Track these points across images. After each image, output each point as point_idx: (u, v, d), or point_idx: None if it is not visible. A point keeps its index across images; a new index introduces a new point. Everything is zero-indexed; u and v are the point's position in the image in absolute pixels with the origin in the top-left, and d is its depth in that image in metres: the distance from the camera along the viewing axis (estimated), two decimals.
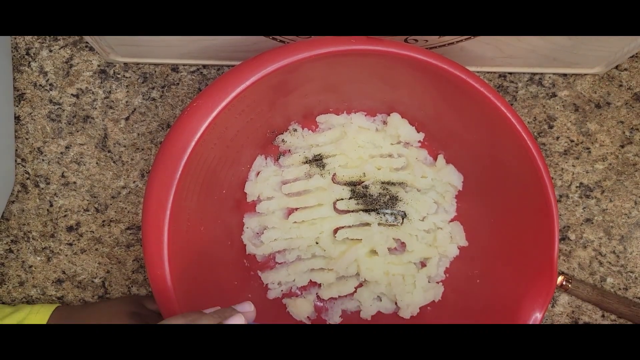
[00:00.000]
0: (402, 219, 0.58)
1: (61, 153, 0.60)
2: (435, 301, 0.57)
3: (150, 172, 0.45)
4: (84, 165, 0.60)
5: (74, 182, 0.60)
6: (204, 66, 0.60)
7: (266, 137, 0.57)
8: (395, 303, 0.58)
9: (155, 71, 0.60)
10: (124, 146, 0.60)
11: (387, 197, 0.58)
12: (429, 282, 0.58)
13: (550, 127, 0.60)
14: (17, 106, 0.61)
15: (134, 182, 0.60)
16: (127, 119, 0.61)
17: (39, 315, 0.54)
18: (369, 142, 0.58)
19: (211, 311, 0.39)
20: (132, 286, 0.61)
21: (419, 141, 0.58)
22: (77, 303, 0.61)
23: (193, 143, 0.44)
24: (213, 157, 0.49)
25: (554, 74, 0.60)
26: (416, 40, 0.51)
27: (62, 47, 0.61)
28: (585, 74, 0.60)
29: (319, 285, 0.58)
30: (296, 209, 0.57)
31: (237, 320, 0.37)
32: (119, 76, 0.60)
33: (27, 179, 0.61)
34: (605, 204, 0.60)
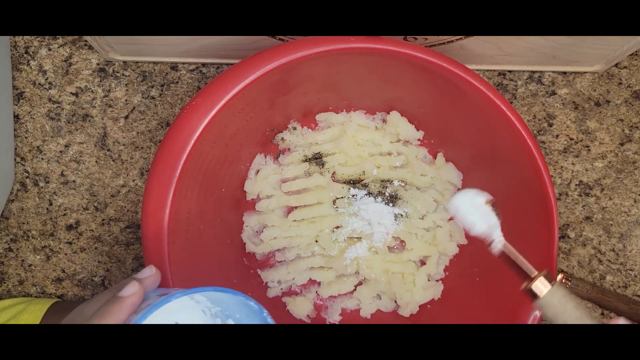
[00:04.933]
0: (402, 217, 0.58)
1: (60, 152, 0.60)
2: (434, 299, 0.57)
3: (149, 170, 0.45)
4: (84, 164, 0.60)
5: (74, 181, 0.60)
6: (203, 64, 0.60)
7: (265, 136, 0.57)
8: (395, 301, 0.58)
9: (155, 70, 0.60)
10: (124, 145, 0.60)
11: (387, 195, 0.58)
12: (428, 280, 0.58)
13: (550, 125, 0.60)
14: (17, 105, 0.60)
15: (133, 180, 0.60)
16: (126, 117, 0.60)
17: (37, 306, 0.54)
18: (368, 141, 0.58)
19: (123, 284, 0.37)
20: None
21: (419, 139, 0.58)
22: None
23: (192, 141, 0.44)
24: (212, 155, 0.49)
25: (553, 72, 0.60)
26: (415, 39, 0.51)
27: (61, 46, 0.61)
28: (585, 72, 0.60)
29: (319, 283, 0.58)
30: (296, 207, 0.58)
31: (131, 288, 0.35)
32: (118, 75, 0.60)
33: (27, 177, 0.61)
34: (605, 202, 0.60)
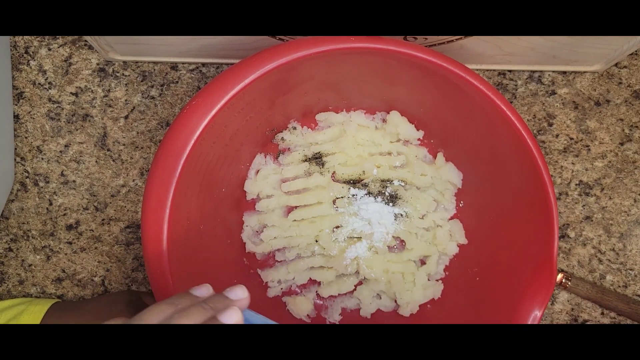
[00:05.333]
0: (402, 217, 0.58)
1: (60, 152, 0.60)
2: (434, 299, 0.57)
3: (149, 170, 0.45)
4: (83, 163, 0.60)
5: (74, 181, 0.60)
6: (203, 64, 0.60)
7: (265, 135, 0.57)
8: (395, 301, 0.58)
9: (155, 69, 0.60)
10: (123, 145, 0.60)
11: (387, 195, 0.58)
12: (428, 280, 0.58)
13: (550, 124, 0.60)
14: (16, 105, 0.60)
15: (133, 180, 0.60)
16: (126, 117, 0.60)
17: (38, 307, 0.54)
18: (368, 140, 0.58)
19: (201, 293, 0.37)
20: (131, 284, 0.61)
21: (419, 139, 0.58)
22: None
23: (192, 141, 0.44)
24: (212, 155, 0.49)
25: (553, 71, 0.60)
26: (415, 38, 0.51)
27: (61, 46, 0.60)
28: (585, 72, 0.60)
29: (319, 283, 0.58)
30: (296, 207, 0.58)
31: (234, 316, 0.35)
32: (118, 74, 0.60)
33: (27, 177, 0.61)
34: (605, 202, 0.60)
